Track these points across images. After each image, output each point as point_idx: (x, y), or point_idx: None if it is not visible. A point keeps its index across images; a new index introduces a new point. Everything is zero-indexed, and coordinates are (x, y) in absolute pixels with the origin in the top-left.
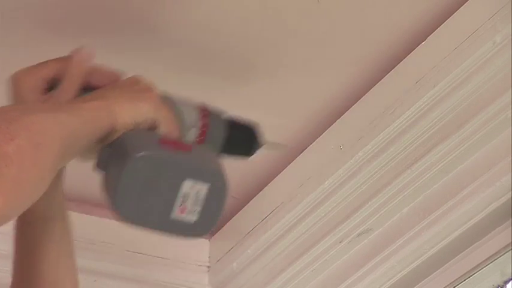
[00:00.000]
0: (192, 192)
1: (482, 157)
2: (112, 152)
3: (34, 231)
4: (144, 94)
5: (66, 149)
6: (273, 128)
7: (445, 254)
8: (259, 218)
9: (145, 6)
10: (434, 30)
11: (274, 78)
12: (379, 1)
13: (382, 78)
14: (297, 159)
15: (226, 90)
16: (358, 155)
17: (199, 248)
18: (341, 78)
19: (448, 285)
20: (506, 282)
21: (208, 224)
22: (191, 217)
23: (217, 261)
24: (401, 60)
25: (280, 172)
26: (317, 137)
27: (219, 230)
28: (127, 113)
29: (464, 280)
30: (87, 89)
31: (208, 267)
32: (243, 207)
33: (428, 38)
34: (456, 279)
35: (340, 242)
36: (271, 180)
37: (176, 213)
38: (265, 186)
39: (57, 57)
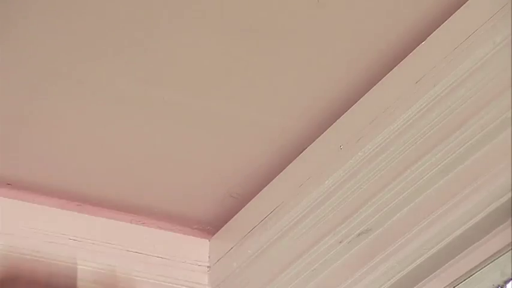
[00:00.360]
0: None
1: (482, 157)
2: None
3: None
4: None
5: None
6: (273, 128)
7: (445, 254)
8: (259, 218)
9: None
10: (434, 30)
11: (274, 78)
12: (379, 1)
13: (382, 78)
14: (297, 159)
15: (226, 90)
16: (358, 155)
17: (199, 248)
18: (341, 78)
19: (448, 285)
20: (506, 282)
21: None
22: None
23: (217, 261)
24: (402, 60)
25: (280, 172)
26: (317, 137)
27: (219, 230)
28: None
29: (464, 280)
30: None
31: (208, 267)
32: (243, 207)
33: (428, 38)
34: (456, 279)
35: (340, 242)
36: (271, 180)
37: None
38: (265, 186)
39: None
